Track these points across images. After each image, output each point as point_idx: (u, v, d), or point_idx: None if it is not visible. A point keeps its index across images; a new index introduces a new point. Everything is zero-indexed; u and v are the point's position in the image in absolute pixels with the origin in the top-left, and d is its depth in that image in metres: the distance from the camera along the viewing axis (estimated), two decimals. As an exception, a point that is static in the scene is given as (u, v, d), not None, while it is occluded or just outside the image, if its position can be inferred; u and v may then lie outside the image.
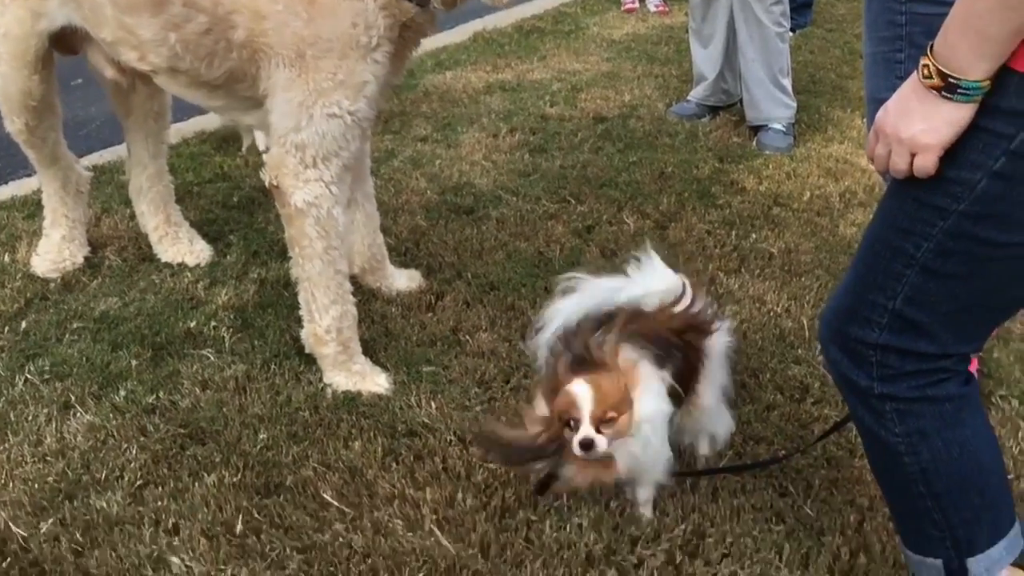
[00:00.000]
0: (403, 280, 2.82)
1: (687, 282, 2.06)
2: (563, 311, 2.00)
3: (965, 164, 1.29)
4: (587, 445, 1.74)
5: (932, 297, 1.38)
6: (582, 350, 1.82)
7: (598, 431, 1.76)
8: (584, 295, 2.04)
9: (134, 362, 2.45)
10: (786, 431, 2.26)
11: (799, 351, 2.56)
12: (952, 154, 1.30)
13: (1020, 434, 2.24)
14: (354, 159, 2.29)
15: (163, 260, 2.96)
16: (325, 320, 2.34)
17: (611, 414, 1.77)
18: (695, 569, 1.86)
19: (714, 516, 1.99)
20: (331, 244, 2.28)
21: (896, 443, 1.48)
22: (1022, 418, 2.29)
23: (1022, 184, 1.26)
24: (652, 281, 2.04)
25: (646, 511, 1.98)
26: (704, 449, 2.13)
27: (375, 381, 2.39)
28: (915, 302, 1.39)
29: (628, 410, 1.79)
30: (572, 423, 1.77)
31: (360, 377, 2.39)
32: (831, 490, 2.09)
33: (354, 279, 2.65)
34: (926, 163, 1.30)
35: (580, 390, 1.76)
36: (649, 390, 1.83)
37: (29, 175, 3.44)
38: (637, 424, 1.81)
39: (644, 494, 1.98)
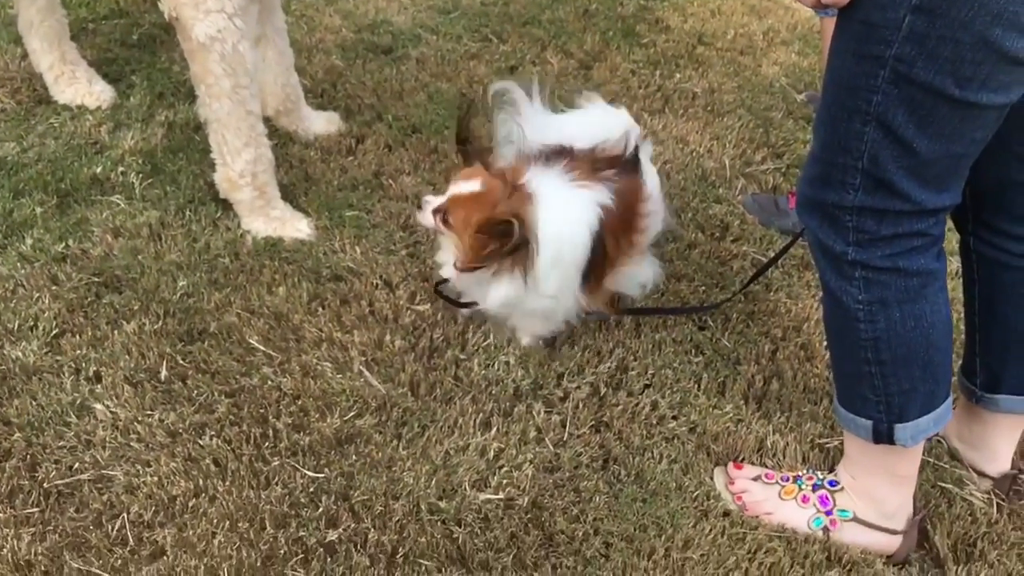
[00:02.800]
0: (321, 123, 2.72)
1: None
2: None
3: (887, 5, 1.28)
4: (420, 205, 1.96)
5: (893, 151, 1.37)
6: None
7: (436, 213, 1.90)
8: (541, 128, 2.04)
9: (39, 210, 2.33)
10: (706, 268, 2.31)
11: (720, 190, 2.60)
12: None
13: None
14: (259, -11, 2.15)
15: (61, 102, 2.78)
16: (238, 164, 2.25)
17: (442, 208, 1.89)
18: (618, 400, 1.94)
19: (636, 350, 2.06)
20: (239, 82, 2.16)
21: (856, 309, 1.51)
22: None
23: (942, 17, 1.25)
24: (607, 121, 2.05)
25: (522, 341, 2.04)
26: (634, 293, 2.17)
27: (296, 226, 2.33)
28: (879, 158, 1.39)
29: (464, 233, 1.85)
30: None
31: (280, 223, 2.33)
32: (747, 323, 2.17)
33: (269, 122, 2.55)
34: None
35: (455, 184, 1.90)
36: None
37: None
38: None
39: (519, 327, 2.03)
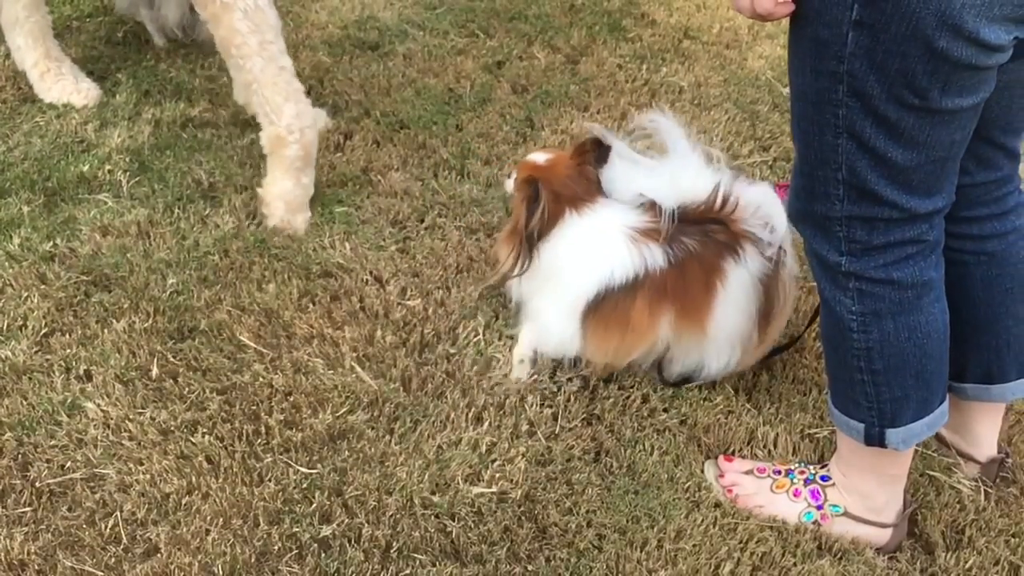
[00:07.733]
0: (311, 119, 2.72)
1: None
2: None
3: (831, 21, 1.28)
4: (509, 174, 2.06)
5: (869, 161, 1.36)
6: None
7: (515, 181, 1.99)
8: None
9: (25, 208, 2.32)
10: (695, 261, 2.32)
11: (708, 184, 2.60)
12: (820, 14, 1.29)
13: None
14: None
15: (46, 100, 2.76)
16: (284, 119, 2.26)
17: (518, 175, 1.97)
18: (609, 392, 1.94)
19: (627, 343, 2.06)
20: (265, 38, 2.19)
21: (850, 319, 1.50)
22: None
23: (884, 32, 1.25)
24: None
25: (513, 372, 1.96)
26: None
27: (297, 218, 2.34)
28: (857, 169, 1.37)
29: (524, 196, 1.89)
30: None
31: (305, 191, 2.34)
32: (737, 315, 2.18)
33: (254, 119, 2.54)
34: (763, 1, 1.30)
35: (534, 155, 2.01)
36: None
37: None
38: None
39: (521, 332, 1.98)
